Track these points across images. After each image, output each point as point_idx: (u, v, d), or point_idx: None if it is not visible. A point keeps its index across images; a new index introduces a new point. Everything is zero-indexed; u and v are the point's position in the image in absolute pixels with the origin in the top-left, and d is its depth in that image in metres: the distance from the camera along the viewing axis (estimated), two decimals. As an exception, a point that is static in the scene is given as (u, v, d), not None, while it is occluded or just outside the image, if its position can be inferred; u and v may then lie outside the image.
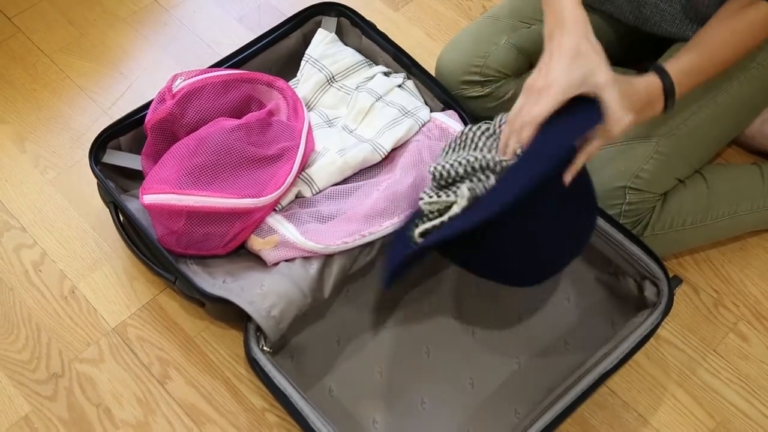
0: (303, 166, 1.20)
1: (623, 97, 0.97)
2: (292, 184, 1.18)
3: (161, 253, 1.15)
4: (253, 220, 1.15)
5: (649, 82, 1.05)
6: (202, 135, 1.16)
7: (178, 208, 1.11)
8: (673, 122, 1.22)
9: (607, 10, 1.30)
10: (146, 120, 1.21)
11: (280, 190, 1.15)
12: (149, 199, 1.12)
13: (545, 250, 1.04)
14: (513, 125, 0.99)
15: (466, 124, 1.26)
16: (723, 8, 1.08)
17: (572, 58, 0.94)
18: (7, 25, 1.58)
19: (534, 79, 0.98)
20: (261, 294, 1.10)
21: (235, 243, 1.16)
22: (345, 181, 1.23)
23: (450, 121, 1.24)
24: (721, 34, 1.08)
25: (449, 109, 1.30)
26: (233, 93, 1.24)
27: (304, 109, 1.26)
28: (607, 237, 1.17)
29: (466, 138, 1.07)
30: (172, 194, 1.11)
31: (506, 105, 1.35)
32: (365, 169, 1.24)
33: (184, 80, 1.22)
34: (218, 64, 1.32)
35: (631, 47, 1.36)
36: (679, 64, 1.06)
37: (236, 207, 1.12)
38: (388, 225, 1.15)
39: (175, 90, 1.21)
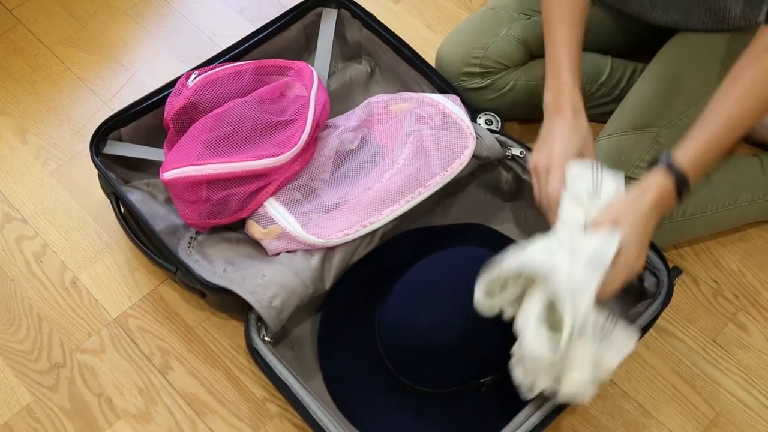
0: (317, 123, 1.20)
1: (637, 230, 0.99)
2: (312, 143, 1.20)
3: (162, 243, 1.16)
4: (273, 180, 1.16)
5: (660, 189, 1.00)
6: (217, 112, 1.19)
7: (197, 178, 1.12)
8: (674, 113, 1.22)
9: (611, 3, 1.30)
10: (165, 113, 1.23)
11: (295, 148, 1.16)
12: (169, 175, 1.13)
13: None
14: (543, 206, 1.10)
15: (468, 109, 1.26)
16: (741, 59, 1.02)
17: (569, 137, 1.08)
18: (7, 17, 1.58)
19: (540, 159, 1.10)
20: (262, 284, 1.10)
21: (254, 203, 1.17)
22: (349, 168, 1.23)
23: (453, 107, 1.24)
24: (739, 91, 1.01)
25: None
26: (247, 77, 1.26)
27: (316, 76, 1.26)
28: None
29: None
30: (192, 166, 1.12)
31: (506, 97, 1.35)
32: (368, 161, 1.23)
33: (199, 75, 1.25)
34: (218, 56, 1.32)
35: (635, 37, 1.36)
36: (693, 147, 1.01)
37: (255, 169, 1.13)
38: (388, 212, 1.15)
39: (190, 84, 1.23)
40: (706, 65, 1.24)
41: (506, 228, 1.30)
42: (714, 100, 1.03)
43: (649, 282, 1.15)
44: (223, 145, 1.15)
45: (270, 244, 1.16)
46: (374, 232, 1.16)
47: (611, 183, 1.03)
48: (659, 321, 1.13)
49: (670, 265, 1.14)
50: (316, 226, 1.14)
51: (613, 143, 1.23)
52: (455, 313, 1.06)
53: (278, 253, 1.16)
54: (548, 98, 1.13)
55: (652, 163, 1.03)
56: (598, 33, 1.34)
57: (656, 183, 1.01)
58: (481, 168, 1.27)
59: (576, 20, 1.13)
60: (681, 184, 1.01)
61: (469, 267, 1.11)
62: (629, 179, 1.21)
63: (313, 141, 1.22)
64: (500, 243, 1.27)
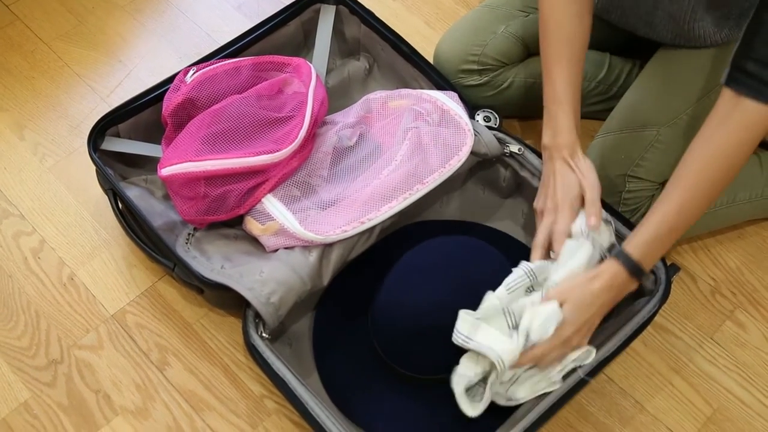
0: (315, 120, 1.21)
1: (580, 310, 1.02)
2: (310, 139, 1.20)
3: (160, 239, 1.16)
4: (270, 177, 1.16)
5: (610, 275, 1.03)
6: (215, 108, 1.19)
7: (195, 174, 1.12)
8: (674, 111, 1.22)
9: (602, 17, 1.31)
10: (164, 109, 1.23)
11: (293, 144, 1.16)
12: (167, 171, 1.13)
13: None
14: (540, 242, 1.12)
15: (466, 106, 1.26)
16: (698, 133, 1.02)
17: (570, 178, 1.11)
18: (5, 13, 1.58)
19: (543, 202, 1.13)
20: (260, 281, 1.10)
21: (252, 200, 1.17)
22: (347, 164, 1.23)
23: (451, 103, 1.23)
24: (692, 173, 1.01)
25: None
26: (245, 74, 1.26)
27: (314, 72, 1.26)
28: (604, 224, 1.17)
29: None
30: (190, 162, 1.13)
31: (504, 94, 1.35)
32: (366, 157, 1.23)
33: (197, 71, 1.24)
34: (216, 53, 1.32)
35: (633, 36, 1.36)
36: (644, 236, 1.03)
37: (253, 165, 1.13)
38: (386, 209, 1.15)
39: (188, 80, 1.23)
40: (705, 63, 1.24)
41: (504, 225, 1.30)
42: (670, 179, 1.04)
43: (647, 279, 1.15)
44: (221, 141, 1.15)
45: (268, 241, 1.16)
46: (372, 228, 1.16)
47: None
48: (657, 318, 1.13)
49: (668, 263, 1.14)
50: (314, 222, 1.14)
51: (613, 141, 1.23)
52: (445, 297, 1.07)
53: (276, 250, 1.16)
54: (546, 139, 1.14)
55: (610, 251, 1.06)
56: (596, 32, 1.34)
57: (608, 270, 1.03)
58: (479, 165, 1.27)
59: (574, 62, 1.14)
60: (634, 271, 1.03)
61: (458, 252, 1.12)
62: (631, 178, 1.21)
63: (311, 137, 1.22)
64: (498, 241, 1.28)
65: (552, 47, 1.14)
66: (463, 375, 1.05)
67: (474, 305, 1.05)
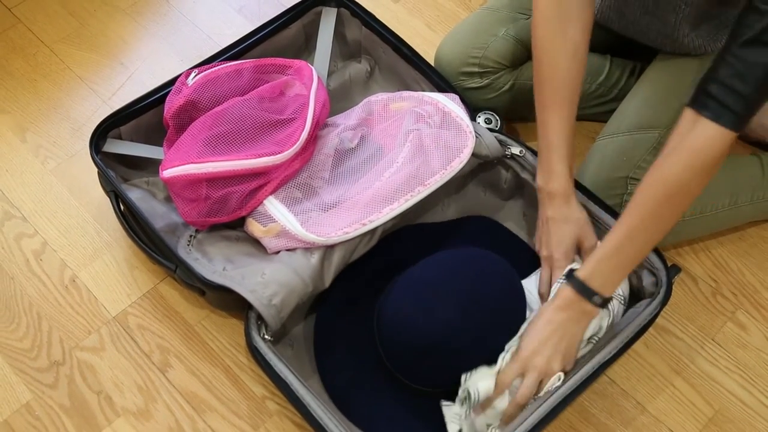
0: (317, 122, 1.21)
1: (536, 328, 1.05)
2: (312, 141, 1.21)
3: (161, 241, 1.16)
4: (272, 179, 1.17)
5: (561, 296, 1.05)
6: (217, 111, 1.19)
7: (197, 176, 1.13)
8: (676, 114, 1.22)
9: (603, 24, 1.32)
10: (165, 111, 1.23)
11: (295, 146, 1.16)
12: (169, 173, 1.14)
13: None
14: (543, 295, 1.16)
15: (468, 108, 1.26)
16: (660, 157, 1.01)
17: (563, 228, 1.14)
18: (7, 16, 1.58)
19: (539, 246, 1.18)
20: (262, 282, 1.10)
21: (254, 201, 1.17)
22: (349, 166, 1.23)
23: (452, 105, 1.24)
24: (638, 196, 1.01)
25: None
26: (247, 76, 1.26)
27: (316, 75, 1.26)
28: (606, 227, 1.17)
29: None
30: (191, 164, 1.13)
31: (505, 96, 1.35)
32: (368, 159, 1.24)
33: (198, 73, 1.25)
34: (218, 55, 1.33)
35: (627, 44, 1.36)
36: (593, 257, 1.04)
37: (255, 167, 1.14)
38: (387, 211, 1.15)
39: (190, 83, 1.23)
40: (706, 65, 1.23)
41: (506, 226, 1.30)
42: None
43: (648, 281, 1.16)
44: (222, 143, 1.16)
45: (270, 243, 1.16)
46: (374, 230, 1.16)
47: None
48: (658, 319, 1.13)
49: (669, 264, 1.14)
50: (316, 224, 1.14)
51: (615, 143, 1.23)
52: (454, 314, 1.06)
53: (278, 252, 1.16)
54: (540, 181, 1.16)
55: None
56: (597, 35, 1.34)
57: (559, 292, 1.06)
58: (480, 167, 1.27)
59: (567, 108, 1.15)
60: (581, 290, 1.04)
61: (469, 268, 1.12)
62: (632, 180, 1.21)
63: (313, 139, 1.22)
64: (500, 234, 1.29)
65: (545, 92, 1.14)
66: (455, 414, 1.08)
67: (482, 323, 1.07)
